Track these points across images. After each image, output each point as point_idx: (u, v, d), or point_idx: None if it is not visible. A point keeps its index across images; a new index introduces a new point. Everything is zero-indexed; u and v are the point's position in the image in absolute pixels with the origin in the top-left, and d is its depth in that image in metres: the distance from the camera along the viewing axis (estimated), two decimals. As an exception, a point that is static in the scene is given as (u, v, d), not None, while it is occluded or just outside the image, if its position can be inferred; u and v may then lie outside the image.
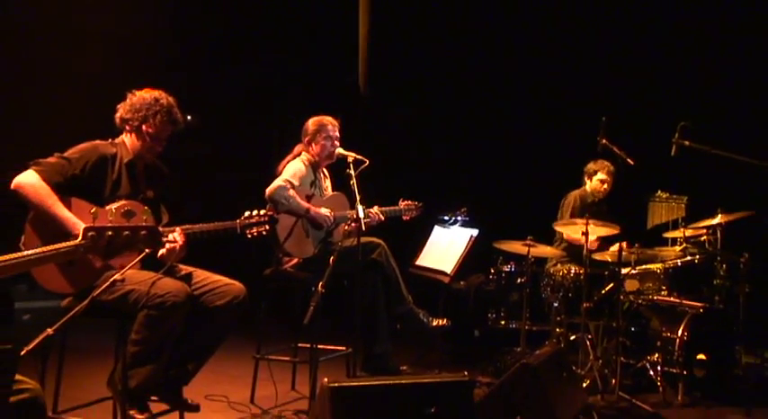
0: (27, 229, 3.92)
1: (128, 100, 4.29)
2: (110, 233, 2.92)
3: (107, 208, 3.36)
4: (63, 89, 8.03)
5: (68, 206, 3.89)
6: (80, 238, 2.90)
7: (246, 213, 4.31)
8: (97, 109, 4.84)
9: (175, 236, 4.03)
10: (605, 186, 6.89)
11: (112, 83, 4.89)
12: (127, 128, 4.28)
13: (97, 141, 4.24)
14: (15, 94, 7.90)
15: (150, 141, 4.25)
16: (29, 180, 3.88)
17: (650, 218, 7.08)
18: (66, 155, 4.06)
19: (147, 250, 3.54)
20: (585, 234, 5.83)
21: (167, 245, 4.04)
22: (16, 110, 7.94)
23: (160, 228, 3.96)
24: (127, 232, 2.97)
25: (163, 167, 4.50)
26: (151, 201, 4.18)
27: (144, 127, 4.23)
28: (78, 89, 8.02)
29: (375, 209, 5.70)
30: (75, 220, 3.80)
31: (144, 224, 3.06)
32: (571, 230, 6.50)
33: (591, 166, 6.96)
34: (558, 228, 6.78)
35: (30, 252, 2.83)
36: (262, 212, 4.33)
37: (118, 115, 4.29)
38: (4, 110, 7.91)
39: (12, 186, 3.89)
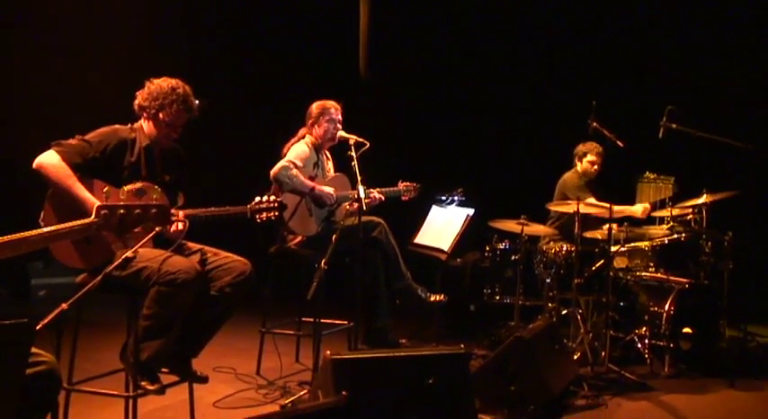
0: (46, 206, 3.97)
1: (146, 88, 4.32)
2: (121, 211, 2.98)
3: (121, 188, 3.35)
4: (83, 75, 8.09)
5: (90, 187, 3.94)
6: (93, 216, 2.96)
7: (257, 198, 4.35)
8: (116, 93, 4.90)
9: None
10: (595, 167, 6.93)
11: (129, 68, 4.95)
12: (144, 115, 4.31)
13: (117, 125, 4.27)
14: (39, 80, 7.97)
15: (166, 128, 4.29)
16: (50, 160, 3.92)
17: (638, 198, 7.05)
18: (86, 137, 4.10)
19: (157, 228, 3.71)
20: (577, 213, 5.92)
21: (179, 226, 4.11)
22: (38, 94, 8.03)
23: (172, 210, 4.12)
24: (138, 210, 3.02)
25: (181, 151, 4.54)
26: (167, 185, 4.23)
27: (161, 115, 4.26)
28: (97, 76, 8.08)
29: (375, 192, 5.77)
30: (94, 200, 3.81)
31: (154, 202, 3.12)
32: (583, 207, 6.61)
33: (580, 148, 6.98)
34: (553, 208, 6.88)
35: (46, 229, 2.89)
36: (272, 198, 4.37)
37: (136, 102, 4.32)
38: (28, 94, 8.02)
39: (33, 165, 3.93)
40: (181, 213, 4.16)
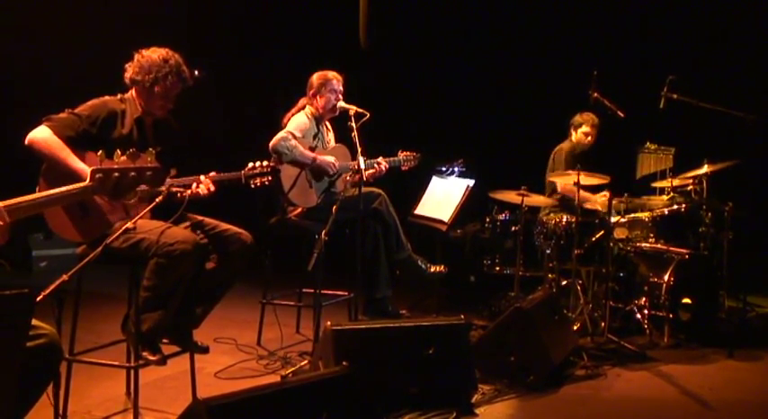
0: (41, 182, 3.94)
1: (135, 60, 4.23)
2: (116, 174, 2.94)
3: (116, 152, 3.15)
4: (76, 47, 8.05)
5: (83, 160, 3.91)
6: (88, 180, 2.91)
7: (250, 164, 4.35)
8: (107, 64, 4.86)
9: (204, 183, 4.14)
10: (589, 139, 6.90)
11: (119, 38, 4.90)
12: (138, 88, 4.24)
13: (106, 97, 4.21)
14: (29, 52, 7.94)
15: (161, 100, 4.23)
16: (41, 135, 3.90)
17: (639, 169, 7.08)
18: (76, 111, 4.05)
19: (158, 199, 3.69)
20: (577, 184, 5.90)
21: (202, 190, 4.12)
22: (30, 67, 8.01)
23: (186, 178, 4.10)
24: (133, 173, 2.98)
25: (173, 122, 4.48)
26: (159, 155, 4.19)
27: (156, 88, 4.19)
28: (90, 45, 8.04)
29: (381, 160, 5.77)
30: (89, 169, 3.81)
31: (149, 165, 3.07)
32: (565, 181, 6.60)
33: (577, 119, 6.95)
34: (553, 180, 6.86)
35: (42, 194, 2.85)
36: (265, 163, 4.36)
37: (127, 75, 4.25)
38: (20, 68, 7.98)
39: (26, 142, 3.90)
40: (207, 179, 4.16)
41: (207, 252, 4.22)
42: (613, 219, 6.15)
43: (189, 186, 4.14)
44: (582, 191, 6.27)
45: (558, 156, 6.98)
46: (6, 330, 2.38)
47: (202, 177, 4.17)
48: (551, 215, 6.71)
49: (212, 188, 4.17)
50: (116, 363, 4.20)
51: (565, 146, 7.04)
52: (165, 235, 3.94)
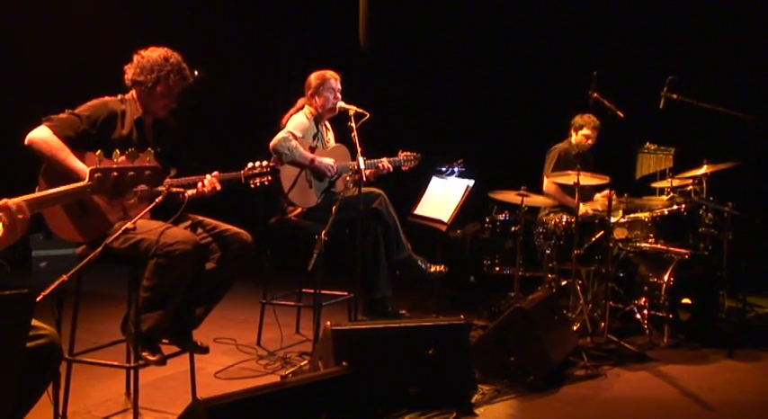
0: (40, 182, 3.94)
1: (135, 61, 4.23)
2: (115, 173, 2.93)
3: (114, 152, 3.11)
4: (75, 45, 8.04)
5: (82, 160, 3.91)
6: (87, 179, 2.90)
7: (250, 164, 4.35)
8: (106, 64, 4.86)
9: (210, 181, 4.16)
10: (589, 141, 6.88)
11: (120, 38, 4.89)
12: (141, 89, 4.23)
13: (107, 97, 4.22)
14: (28, 52, 7.94)
15: (164, 99, 4.23)
16: (41, 135, 3.90)
17: (639, 169, 7.10)
18: (76, 111, 4.06)
19: (158, 199, 3.69)
20: (577, 185, 5.89)
21: (206, 188, 4.15)
22: (28, 67, 8.00)
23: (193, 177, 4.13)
24: (132, 172, 2.97)
25: (173, 123, 4.48)
26: (159, 156, 4.18)
27: (158, 88, 4.19)
28: (91, 44, 8.02)
29: (385, 160, 5.78)
30: (88, 169, 3.81)
31: (148, 164, 3.06)
32: (560, 181, 6.61)
33: (577, 120, 6.93)
34: (548, 181, 6.87)
35: (40, 193, 2.83)
36: (264, 163, 4.36)
37: (128, 77, 4.25)
38: (17, 67, 7.97)
39: (26, 142, 3.91)
40: (213, 178, 4.18)
41: (207, 252, 4.22)
42: (613, 219, 6.14)
43: (190, 186, 4.15)
44: (568, 196, 6.27)
45: (550, 157, 6.99)
46: (6, 330, 2.37)
47: (208, 176, 4.19)
48: (551, 215, 6.71)
49: (218, 187, 4.19)
50: (116, 363, 4.21)
51: (560, 146, 7.03)
52: (165, 235, 3.94)
